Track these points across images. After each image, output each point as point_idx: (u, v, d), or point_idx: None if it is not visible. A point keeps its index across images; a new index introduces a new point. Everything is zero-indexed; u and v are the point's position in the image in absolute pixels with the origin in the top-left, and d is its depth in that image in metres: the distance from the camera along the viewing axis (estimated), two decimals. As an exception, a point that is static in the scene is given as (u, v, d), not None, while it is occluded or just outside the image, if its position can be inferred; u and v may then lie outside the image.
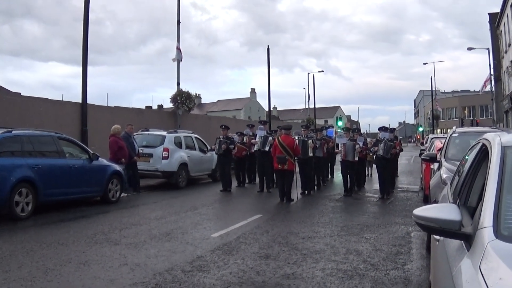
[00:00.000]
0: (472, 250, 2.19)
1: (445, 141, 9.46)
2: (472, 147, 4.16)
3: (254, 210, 10.50)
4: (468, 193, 3.17)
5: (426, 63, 53.72)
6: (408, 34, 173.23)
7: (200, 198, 12.28)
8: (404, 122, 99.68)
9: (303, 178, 12.99)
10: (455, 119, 60.79)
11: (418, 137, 53.86)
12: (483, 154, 3.14)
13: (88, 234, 7.39)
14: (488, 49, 38.31)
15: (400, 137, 70.08)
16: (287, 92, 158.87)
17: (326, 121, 72.87)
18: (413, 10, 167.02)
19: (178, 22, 21.45)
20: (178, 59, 21.34)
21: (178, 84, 21.70)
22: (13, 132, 8.80)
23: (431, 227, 2.47)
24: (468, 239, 2.31)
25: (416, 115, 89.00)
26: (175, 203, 11.30)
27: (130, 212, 9.82)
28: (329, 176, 17.41)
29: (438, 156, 8.73)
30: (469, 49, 39.43)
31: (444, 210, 2.46)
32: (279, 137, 11.81)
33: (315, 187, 14.18)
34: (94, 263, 5.74)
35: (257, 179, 14.85)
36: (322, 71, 54.72)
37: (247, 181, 15.75)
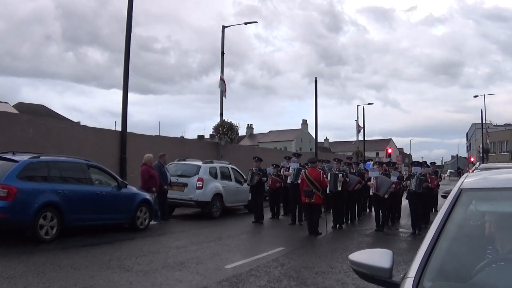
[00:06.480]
0: (394, 300, 2.10)
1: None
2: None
3: (278, 242, 10.40)
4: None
5: (477, 96, 51.96)
6: (467, 67, 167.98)
7: (229, 229, 12.28)
8: (457, 155, 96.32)
9: (334, 212, 12.78)
10: (505, 153, 57.92)
11: (470, 170, 51.44)
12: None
13: (103, 260, 7.57)
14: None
15: (452, 170, 67.05)
16: (343, 124, 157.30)
17: (377, 154, 71.47)
18: (472, 42, 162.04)
19: (222, 53, 22.00)
20: (222, 89, 21.77)
21: (221, 114, 22.04)
22: (41, 158, 9.20)
23: (364, 274, 2.34)
24: (399, 289, 2.20)
25: (468, 148, 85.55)
26: (202, 232, 11.36)
27: (154, 240, 9.97)
28: (367, 210, 16.99)
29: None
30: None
31: (375, 256, 2.31)
32: (306, 171, 11.75)
33: (348, 221, 13.88)
34: (98, 289, 5.87)
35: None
36: (372, 103, 53.88)
37: (282, 213, 15.62)
